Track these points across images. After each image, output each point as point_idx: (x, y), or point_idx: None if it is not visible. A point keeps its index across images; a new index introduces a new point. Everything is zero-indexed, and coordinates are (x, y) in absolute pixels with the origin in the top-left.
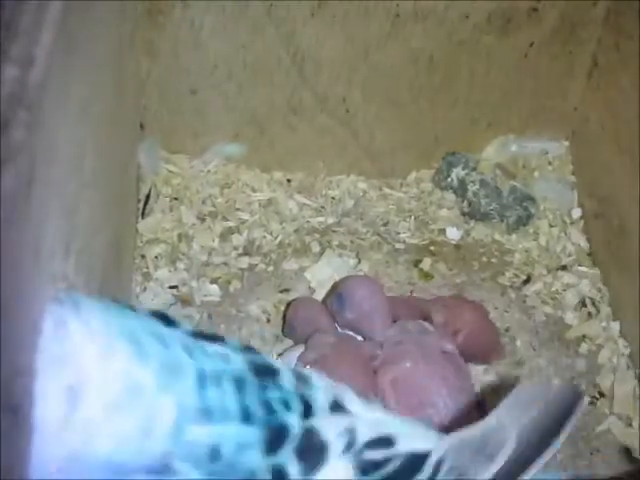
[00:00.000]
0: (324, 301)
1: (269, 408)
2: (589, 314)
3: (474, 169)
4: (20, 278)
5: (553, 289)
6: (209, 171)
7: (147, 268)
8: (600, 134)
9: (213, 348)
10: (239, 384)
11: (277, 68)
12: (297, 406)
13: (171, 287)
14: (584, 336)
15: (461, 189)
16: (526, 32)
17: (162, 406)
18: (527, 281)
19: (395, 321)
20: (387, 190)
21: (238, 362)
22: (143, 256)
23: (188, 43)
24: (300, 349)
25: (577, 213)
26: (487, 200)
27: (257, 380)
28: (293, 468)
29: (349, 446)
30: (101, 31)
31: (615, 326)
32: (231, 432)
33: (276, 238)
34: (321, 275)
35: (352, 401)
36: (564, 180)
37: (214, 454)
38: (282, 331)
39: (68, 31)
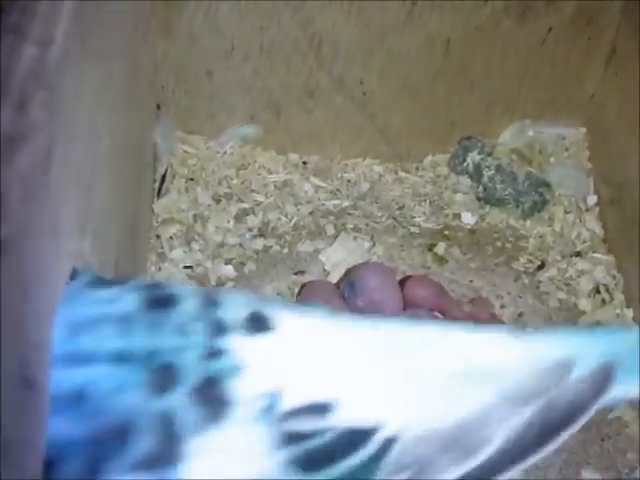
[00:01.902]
0: (338, 284)
1: (155, 351)
2: (603, 301)
3: (490, 154)
4: (38, 256)
5: (567, 275)
6: (225, 152)
7: (162, 248)
8: (617, 121)
9: (104, 293)
10: (123, 325)
11: (294, 51)
12: (195, 344)
13: (186, 267)
14: (598, 322)
15: (477, 174)
16: (544, 18)
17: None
18: (541, 267)
19: (405, 309)
20: (403, 174)
21: (129, 301)
22: (158, 236)
23: (205, 25)
24: None
25: (592, 200)
26: (502, 185)
27: (148, 317)
28: (185, 415)
29: (267, 411)
30: (117, 12)
31: (629, 313)
32: (100, 373)
33: (291, 220)
34: (335, 258)
35: (280, 319)
36: (580, 166)
37: (78, 396)
38: None
39: (85, 12)
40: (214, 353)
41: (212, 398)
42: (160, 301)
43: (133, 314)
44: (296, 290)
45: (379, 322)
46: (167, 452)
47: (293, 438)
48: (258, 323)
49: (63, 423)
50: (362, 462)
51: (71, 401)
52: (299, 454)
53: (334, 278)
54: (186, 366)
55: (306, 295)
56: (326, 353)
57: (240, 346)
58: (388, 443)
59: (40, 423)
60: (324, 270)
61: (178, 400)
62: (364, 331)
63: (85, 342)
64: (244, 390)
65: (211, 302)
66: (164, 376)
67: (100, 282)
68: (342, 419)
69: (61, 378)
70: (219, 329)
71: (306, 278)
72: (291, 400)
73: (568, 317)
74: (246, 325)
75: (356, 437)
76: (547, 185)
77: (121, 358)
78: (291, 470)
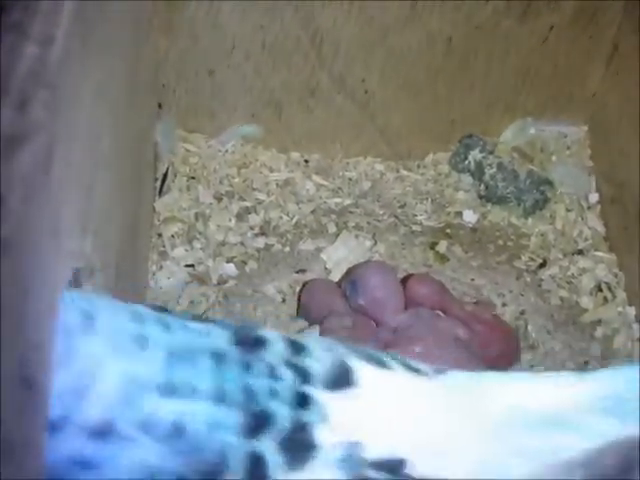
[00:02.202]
0: (339, 283)
1: (250, 392)
2: (605, 299)
3: (491, 152)
4: (39, 256)
5: (569, 273)
6: (226, 151)
7: (163, 247)
8: (618, 119)
9: (195, 324)
10: (218, 360)
11: (295, 49)
12: (286, 390)
13: (187, 266)
14: (599, 321)
15: (478, 172)
16: (546, 16)
17: (105, 372)
18: (543, 265)
19: (407, 308)
20: (404, 172)
21: (220, 336)
22: (160, 235)
23: (206, 23)
24: (315, 330)
25: (594, 198)
26: (504, 183)
27: (240, 354)
28: (273, 459)
29: (346, 459)
30: (119, 11)
31: (630, 311)
32: (200, 410)
33: (292, 218)
34: (337, 256)
35: (362, 374)
36: (581, 165)
37: (178, 430)
38: (297, 312)
39: (87, 11)
40: (301, 401)
41: (298, 444)
42: (249, 341)
43: (226, 351)
44: (297, 289)
45: (455, 381)
46: None
47: None
48: (341, 376)
49: (160, 451)
50: None
51: (170, 432)
52: None
53: (335, 277)
54: (276, 412)
55: (307, 294)
56: (403, 411)
57: (324, 398)
58: None
59: (41, 423)
60: (325, 268)
61: (267, 444)
62: (440, 391)
63: (182, 373)
64: (327, 439)
65: (298, 348)
66: (257, 420)
67: (191, 317)
68: (414, 473)
69: (160, 407)
70: (305, 377)
71: (307, 277)
72: (368, 453)
73: (570, 315)
74: (330, 377)
75: None
76: (549, 183)
77: (218, 397)
78: None
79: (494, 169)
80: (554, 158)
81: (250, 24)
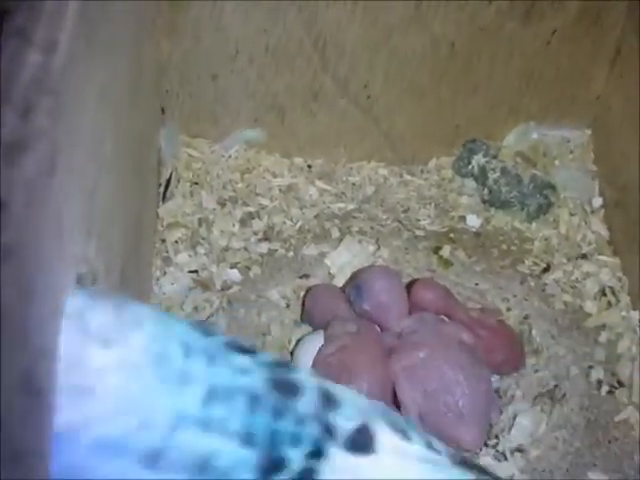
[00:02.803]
0: (343, 288)
1: (275, 438)
2: (609, 303)
3: (495, 156)
4: (42, 262)
5: (573, 278)
6: (230, 156)
7: (167, 252)
8: (622, 123)
9: (238, 360)
10: (253, 402)
11: (298, 53)
12: (307, 441)
13: (191, 272)
14: (604, 325)
15: (482, 176)
16: (549, 19)
17: (160, 408)
18: (547, 269)
19: (411, 313)
20: (408, 177)
21: (259, 377)
22: (163, 240)
23: (209, 28)
24: (319, 335)
25: (598, 202)
26: (507, 188)
27: (274, 400)
28: None
29: None
30: (122, 16)
31: (635, 315)
32: (228, 449)
33: (296, 224)
34: (341, 261)
35: (383, 441)
36: (585, 169)
37: (204, 464)
38: (301, 317)
39: (89, 16)
40: (319, 454)
41: None
42: (285, 386)
43: (261, 394)
44: (301, 294)
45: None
46: None
47: None
48: (363, 441)
49: None
50: None
51: (197, 466)
52: None
53: (339, 281)
54: (295, 458)
55: (311, 299)
56: None
57: (341, 457)
58: None
59: (46, 431)
60: (329, 273)
61: None
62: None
63: (219, 411)
64: None
65: (331, 403)
66: (276, 464)
67: (235, 345)
68: None
69: (193, 440)
70: (330, 434)
71: (311, 282)
72: None
73: (574, 320)
74: (352, 440)
75: None
76: (552, 187)
77: (246, 439)
78: None
79: (497, 173)
80: (557, 162)
81: (253, 27)
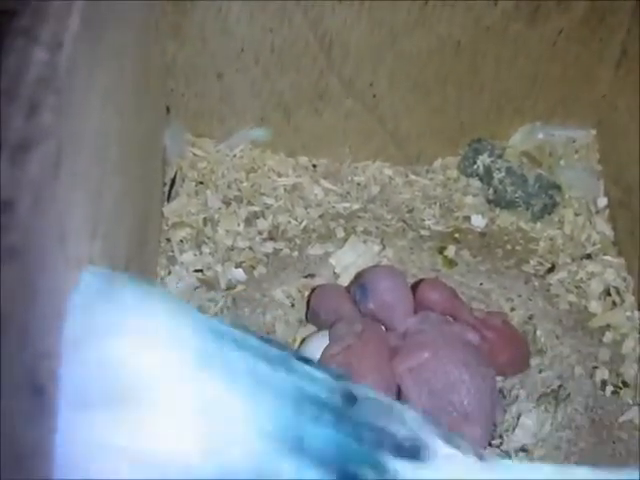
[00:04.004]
0: (348, 288)
1: (345, 451)
2: (613, 303)
3: (500, 156)
4: (46, 262)
5: (577, 278)
6: (235, 155)
7: (172, 252)
8: (628, 123)
9: (302, 367)
10: (316, 411)
11: (304, 53)
12: (365, 454)
13: (196, 271)
14: (608, 325)
15: (487, 176)
16: (555, 19)
17: (242, 432)
18: (551, 269)
19: (416, 313)
20: (413, 177)
21: (322, 385)
22: (168, 240)
23: (215, 27)
24: (323, 334)
25: (603, 202)
26: (513, 188)
27: (335, 410)
28: None
29: None
30: (127, 15)
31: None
32: (304, 471)
33: (301, 223)
34: (345, 261)
35: (437, 450)
36: (590, 168)
37: (260, 474)
38: (306, 316)
39: (95, 15)
40: (377, 465)
41: None
42: (346, 396)
43: (324, 403)
44: (306, 293)
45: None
46: None
47: None
48: (417, 452)
49: None
50: None
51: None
52: None
53: (344, 281)
54: (360, 475)
55: (316, 299)
56: None
57: (398, 466)
58: None
59: (49, 430)
60: (334, 273)
61: None
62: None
63: (300, 424)
64: None
65: (389, 412)
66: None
67: (300, 357)
68: None
69: (262, 448)
70: (391, 444)
71: (316, 281)
72: None
73: (578, 320)
74: (407, 449)
75: None
76: (557, 187)
77: (321, 460)
78: None
79: (503, 173)
80: (563, 162)
81: (259, 27)
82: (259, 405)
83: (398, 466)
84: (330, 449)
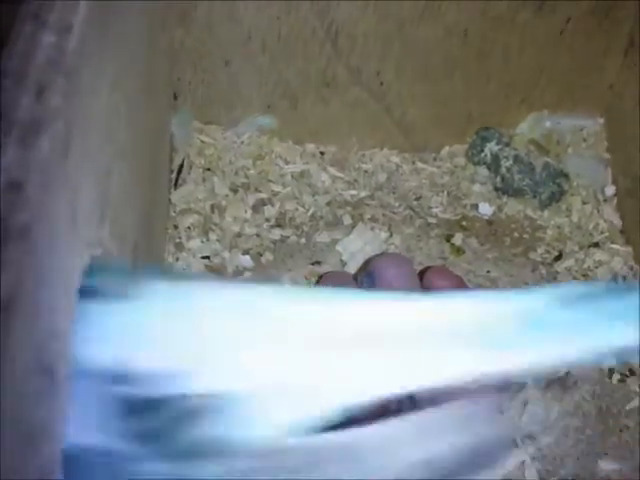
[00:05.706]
0: (355, 275)
1: None
2: None
3: (508, 144)
4: (56, 243)
5: (585, 266)
6: (242, 142)
7: (180, 238)
8: (635, 112)
9: None
10: None
11: (311, 41)
12: None
13: (203, 257)
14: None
15: (494, 164)
16: (563, 9)
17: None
18: (559, 257)
19: None
20: (420, 164)
21: None
22: (176, 226)
23: (222, 14)
24: None
25: (610, 190)
26: (520, 176)
27: None
28: None
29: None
30: (135, 2)
31: None
32: None
33: (308, 210)
34: (353, 248)
35: None
36: (598, 157)
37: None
38: None
39: (103, 2)
40: None
41: None
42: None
43: None
44: (313, 280)
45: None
46: None
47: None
48: None
49: None
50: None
51: None
52: None
53: (351, 268)
54: None
55: (323, 286)
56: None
57: None
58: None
59: (59, 411)
60: (341, 260)
61: None
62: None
63: None
64: None
65: None
66: None
67: None
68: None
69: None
70: None
71: (323, 268)
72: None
73: None
74: None
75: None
76: (565, 176)
77: None
78: None
79: (510, 161)
80: (570, 150)
81: (266, 14)
82: None
83: None
84: None
